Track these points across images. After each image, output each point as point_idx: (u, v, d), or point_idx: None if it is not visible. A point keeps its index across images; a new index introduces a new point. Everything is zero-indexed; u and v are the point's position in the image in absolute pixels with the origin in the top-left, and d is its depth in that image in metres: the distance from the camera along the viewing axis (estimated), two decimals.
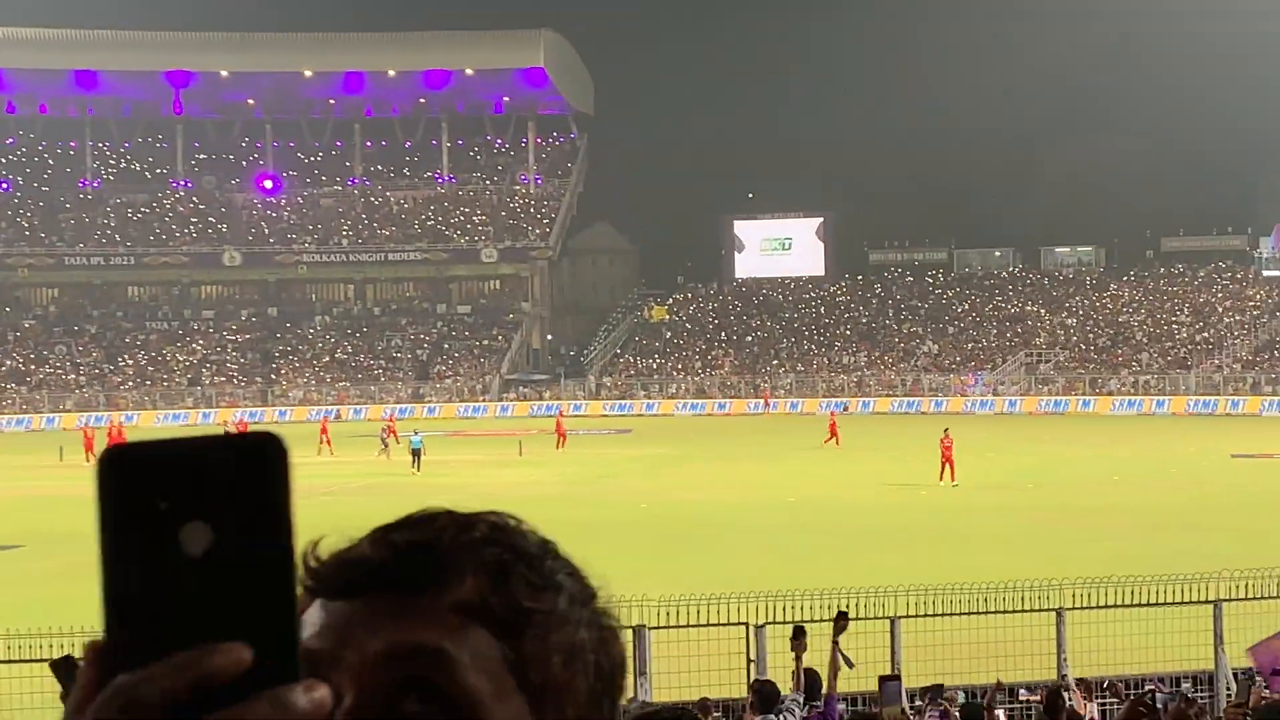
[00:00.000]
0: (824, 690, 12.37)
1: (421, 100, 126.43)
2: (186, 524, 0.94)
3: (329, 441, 66.33)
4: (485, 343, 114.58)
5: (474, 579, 1.15)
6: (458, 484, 52.09)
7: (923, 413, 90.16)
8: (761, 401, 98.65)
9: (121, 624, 0.95)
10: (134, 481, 0.94)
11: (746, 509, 42.63)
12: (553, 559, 1.20)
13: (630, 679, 18.72)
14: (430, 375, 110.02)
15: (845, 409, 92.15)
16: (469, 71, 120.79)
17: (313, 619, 1.14)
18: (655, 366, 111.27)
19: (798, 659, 13.28)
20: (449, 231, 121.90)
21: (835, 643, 12.45)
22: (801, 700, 12.04)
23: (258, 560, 0.95)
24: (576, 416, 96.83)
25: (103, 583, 0.95)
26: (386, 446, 64.43)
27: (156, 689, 0.92)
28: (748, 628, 19.29)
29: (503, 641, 1.14)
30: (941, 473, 48.30)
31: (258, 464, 0.94)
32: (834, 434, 66.68)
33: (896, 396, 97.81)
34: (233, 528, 0.94)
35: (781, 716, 11.53)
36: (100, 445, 55.95)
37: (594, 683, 1.18)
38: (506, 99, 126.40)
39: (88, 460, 63.84)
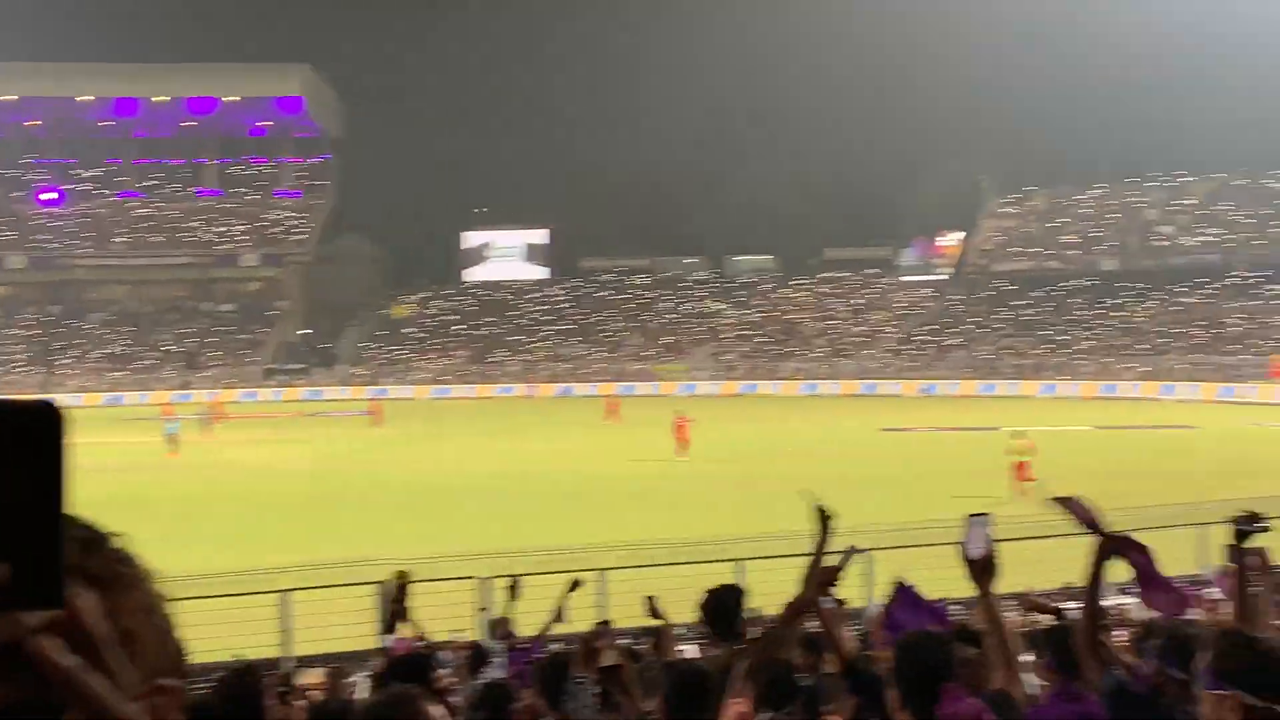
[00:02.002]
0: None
1: (190, 123, 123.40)
2: None
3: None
4: (247, 337, 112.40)
5: (68, 546, 1.19)
6: (221, 461, 50.84)
7: (642, 395, 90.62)
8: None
9: None
10: None
11: (481, 479, 42.40)
12: (117, 542, 1.31)
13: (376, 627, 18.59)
14: (197, 366, 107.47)
15: (569, 391, 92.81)
16: (232, 99, 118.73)
17: None
18: (399, 357, 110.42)
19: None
20: (214, 239, 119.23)
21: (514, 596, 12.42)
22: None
23: (28, 503, 0.98)
24: (330, 401, 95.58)
25: None
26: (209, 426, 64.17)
27: None
28: (477, 580, 19.29)
29: (99, 594, 1.22)
30: (678, 448, 47.43)
31: (35, 426, 0.98)
32: (614, 412, 67.25)
33: (622, 381, 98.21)
34: (9, 476, 0.97)
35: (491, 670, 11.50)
36: None
37: (158, 634, 1.31)
38: (266, 123, 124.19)
39: None
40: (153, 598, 1.33)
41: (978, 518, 4.82)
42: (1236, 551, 5.81)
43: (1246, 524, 5.75)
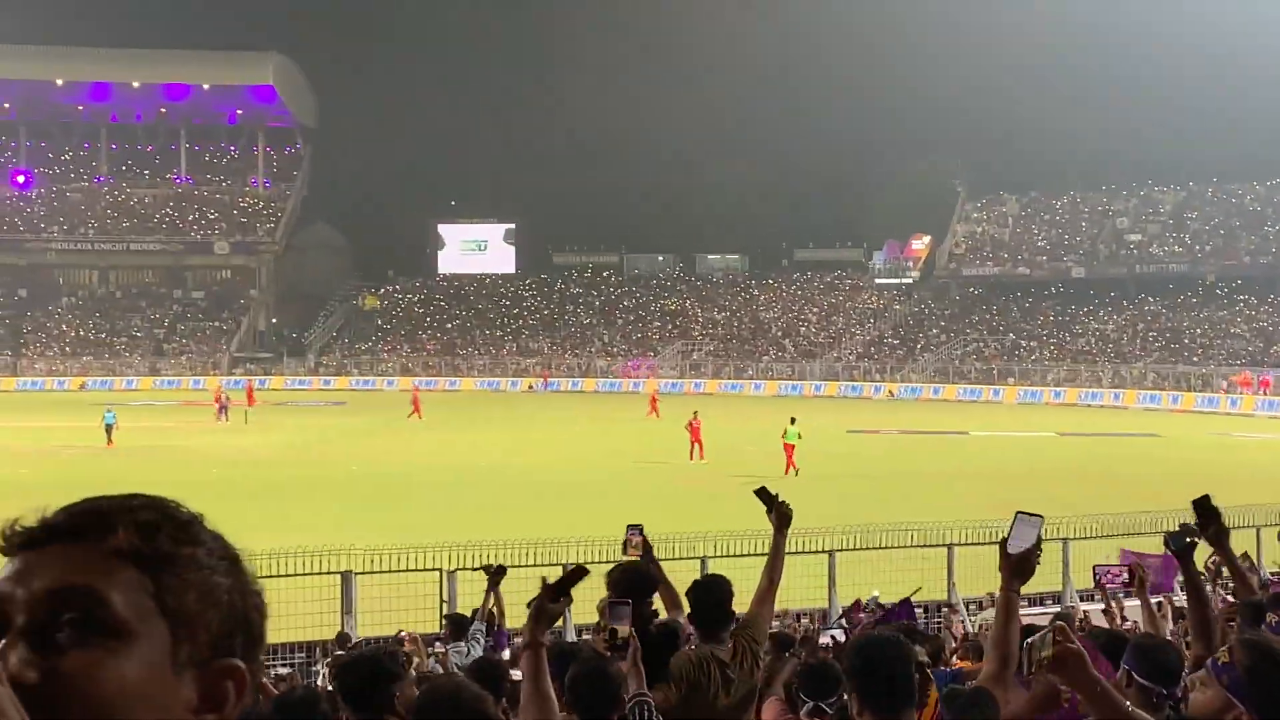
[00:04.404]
0: (497, 626, 12.46)
1: (162, 110, 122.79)
2: None
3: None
4: (216, 324, 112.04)
5: (126, 532, 1.35)
6: (186, 446, 50.60)
7: (624, 392, 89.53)
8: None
9: None
10: None
11: (444, 471, 42.27)
12: (199, 525, 1.40)
13: (339, 616, 18.57)
14: (165, 353, 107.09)
15: (535, 387, 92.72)
16: (205, 86, 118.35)
17: (4, 568, 1.35)
18: (367, 349, 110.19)
19: (488, 595, 13.27)
20: (185, 226, 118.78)
21: (495, 586, 12.50)
22: (484, 629, 12.13)
23: None
24: (299, 390, 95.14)
25: None
26: (223, 411, 64.23)
27: None
28: (441, 573, 19.30)
29: (145, 576, 1.33)
30: (691, 451, 46.08)
31: None
32: (654, 408, 64.89)
33: (601, 378, 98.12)
34: None
35: (468, 644, 11.63)
36: None
37: (226, 619, 1.36)
38: (239, 111, 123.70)
39: None
40: (219, 577, 1.37)
41: (1029, 517, 4.80)
42: (1184, 566, 5.83)
43: (1179, 539, 5.76)
